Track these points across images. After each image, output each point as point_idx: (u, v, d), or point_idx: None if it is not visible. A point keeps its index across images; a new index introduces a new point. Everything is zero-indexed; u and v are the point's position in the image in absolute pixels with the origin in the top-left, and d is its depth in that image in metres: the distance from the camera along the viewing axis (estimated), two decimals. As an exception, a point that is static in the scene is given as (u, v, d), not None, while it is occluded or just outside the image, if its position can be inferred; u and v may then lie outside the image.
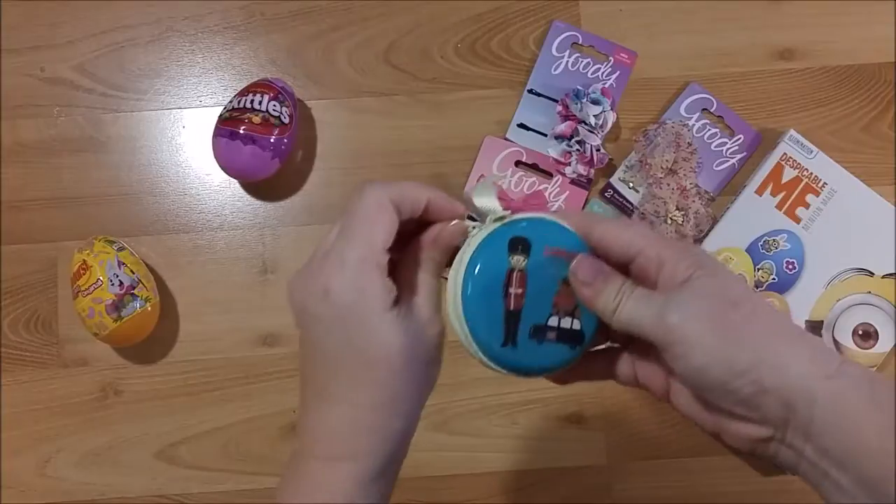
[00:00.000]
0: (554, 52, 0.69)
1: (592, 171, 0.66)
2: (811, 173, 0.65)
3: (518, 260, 0.36)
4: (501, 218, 0.37)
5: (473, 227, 0.37)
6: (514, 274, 0.36)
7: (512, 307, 0.36)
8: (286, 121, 0.64)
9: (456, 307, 0.36)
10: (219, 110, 0.66)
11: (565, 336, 0.36)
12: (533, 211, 0.37)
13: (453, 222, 0.37)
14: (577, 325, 0.36)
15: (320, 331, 0.35)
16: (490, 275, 0.35)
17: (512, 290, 0.36)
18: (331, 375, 0.35)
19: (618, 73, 0.68)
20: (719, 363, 0.32)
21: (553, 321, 0.36)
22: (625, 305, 0.34)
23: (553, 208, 0.67)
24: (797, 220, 0.65)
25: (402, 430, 0.36)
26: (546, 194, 0.67)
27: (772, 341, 0.32)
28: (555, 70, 0.68)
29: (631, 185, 0.67)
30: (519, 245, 0.36)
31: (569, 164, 0.66)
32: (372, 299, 0.34)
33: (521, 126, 0.68)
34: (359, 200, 0.35)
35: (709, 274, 0.34)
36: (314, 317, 0.35)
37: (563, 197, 0.67)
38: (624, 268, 0.36)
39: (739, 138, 0.68)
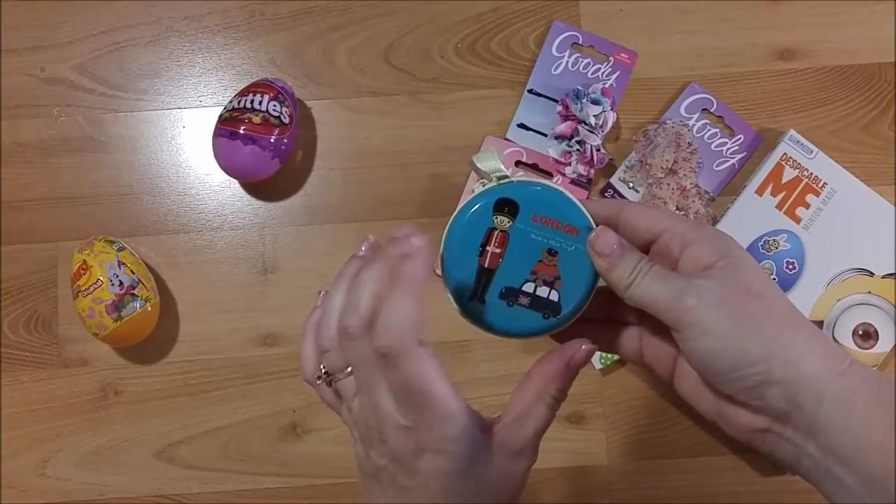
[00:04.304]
0: (554, 52, 0.69)
1: (592, 171, 0.66)
2: (811, 173, 0.65)
3: (502, 221, 0.36)
4: (504, 178, 0.37)
5: (480, 184, 0.37)
6: (495, 234, 0.36)
7: (486, 265, 0.36)
8: (286, 121, 0.64)
9: (439, 255, 0.37)
10: (219, 110, 0.66)
11: (538, 304, 0.37)
12: (543, 179, 0.37)
13: (584, 346, 0.36)
14: (554, 296, 0.37)
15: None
16: (472, 230, 0.36)
17: (489, 249, 0.36)
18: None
19: (618, 73, 0.68)
20: (731, 350, 0.32)
21: (528, 287, 0.36)
22: (641, 281, 0.34)
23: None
24: (797, 220, 0.65)
25: None
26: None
27: (787, 335, 0.32)
28: (555, 70, 0.68)
29: (631, 185, 0.67)
30: (505, 206, 0.36)
31: (569, 164, 0.66)
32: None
33: (521, 126, 0.68)
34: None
35: (733, 265, 0.34)
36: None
37: (563, 197, 0.67)
38: (646, 249, 0.37)
39: (739, 138, 0.68)
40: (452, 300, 0.37)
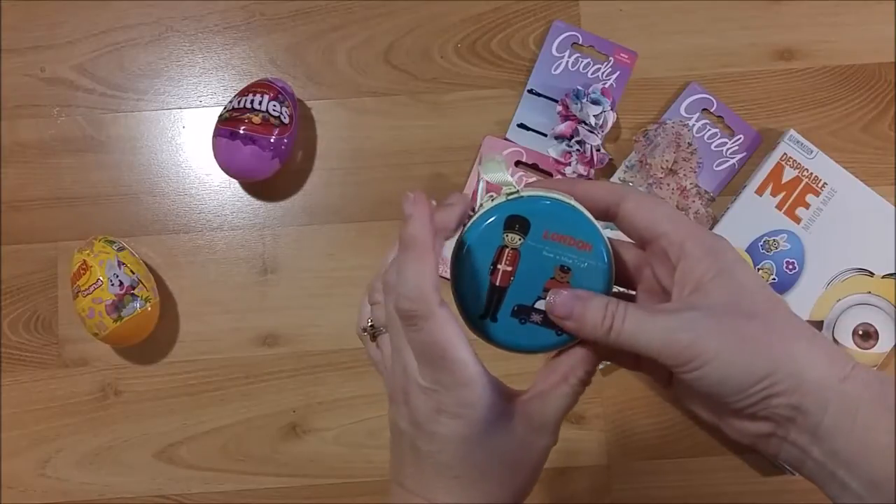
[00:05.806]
0: (554, 52, 0.69)
1: (592, 171, 0.66)
2: (811, 173, 0.65)
3: (513, 238, 0.36)
4: (514, 192, 0.36)
5: (488, 197, 0.37)
6: (506, 251, 0.36)
7: (498, 283, 0.36)
8: (286, 121, 0.64)
9: (449, 270, 0.37)
10: (219, 110, 0.66)
11: (552, 321, 0.36)
12: (550, 190, 0.36)
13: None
14: None
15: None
16: (482, 247, 0.36)
17: (500, 267, 0.36)
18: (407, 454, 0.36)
19: (618, 73, 0.68)
20: (736, 374, 0.32)
21: (541, 304, 0.36)
22: (624, 326, 0.33)
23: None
24: (797, 220, 0.65)
25: None
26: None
27: (788, 347, 0.32)
28: (555, 70, 0.68)
29: (631, 185, 0.67)
30: (516, 224, 0.36)
31: (569, 164, 0.66)
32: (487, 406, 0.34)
33: (521, 126, 0.68)
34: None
35: (727, 284, 0.33)
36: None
37: (563, 197, 0.67)
38: (643, 245, 0.36)
39: (739, 138, 0.68)
40: (463, 317, 0.37)
